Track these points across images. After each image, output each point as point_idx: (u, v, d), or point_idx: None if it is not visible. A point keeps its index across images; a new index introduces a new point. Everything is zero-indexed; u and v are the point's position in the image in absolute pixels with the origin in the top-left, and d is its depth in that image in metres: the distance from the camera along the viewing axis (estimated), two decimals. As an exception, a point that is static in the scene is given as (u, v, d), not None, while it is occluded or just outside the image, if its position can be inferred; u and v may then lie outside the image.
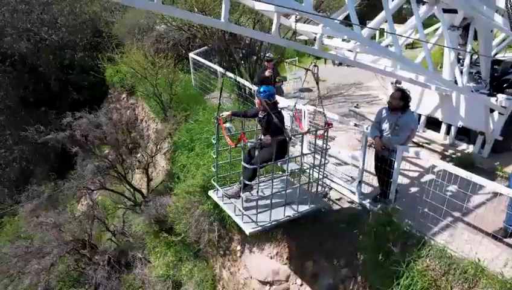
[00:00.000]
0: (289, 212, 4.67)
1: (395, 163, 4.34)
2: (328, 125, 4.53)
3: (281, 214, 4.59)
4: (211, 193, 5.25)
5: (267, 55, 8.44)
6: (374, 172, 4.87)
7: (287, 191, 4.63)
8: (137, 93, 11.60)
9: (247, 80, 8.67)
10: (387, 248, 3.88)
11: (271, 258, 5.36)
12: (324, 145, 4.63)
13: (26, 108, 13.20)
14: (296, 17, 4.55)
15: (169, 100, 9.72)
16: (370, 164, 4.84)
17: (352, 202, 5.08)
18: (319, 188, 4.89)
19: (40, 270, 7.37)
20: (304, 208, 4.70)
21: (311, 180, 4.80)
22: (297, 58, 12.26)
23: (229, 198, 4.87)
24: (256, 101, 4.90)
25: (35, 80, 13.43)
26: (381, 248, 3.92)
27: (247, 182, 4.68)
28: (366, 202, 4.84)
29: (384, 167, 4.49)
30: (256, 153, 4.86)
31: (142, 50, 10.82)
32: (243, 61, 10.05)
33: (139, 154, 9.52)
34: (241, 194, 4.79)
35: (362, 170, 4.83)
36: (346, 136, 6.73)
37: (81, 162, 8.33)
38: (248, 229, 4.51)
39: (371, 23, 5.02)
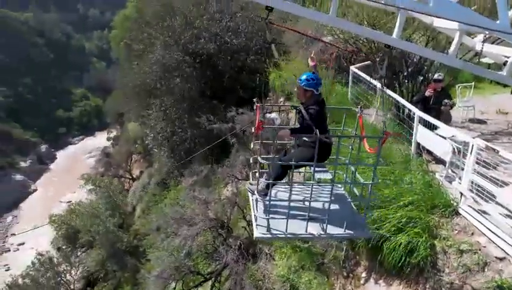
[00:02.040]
0: (313, 230, 3.97)
1: None
2: (386, 134, 3.71)
3: (303, 228, 3.97)
4: (247, 184, 4.80)
5: (438, 74, 7.62)
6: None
7: (312, 202, 3.89)
8: (294, 99, 12.25)
9: (407, 101, 8.04)
10: None
11: (397, 297, 4.87)
12: (378, 159, 3.80)
13: (203, 99, 15.71)
14: (484, 36, 3.97)
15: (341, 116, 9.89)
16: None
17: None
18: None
19: (187, 236, 8.71)
20: (335, 230, 3.97)
21: (351, 198, 4.06)
22: (473, 83, 10.59)
23: (252, 193, 4.36)
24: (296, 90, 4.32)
25: (214, 77, 15.80)
26: None
27: (271, 181, 4.15)
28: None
29: None
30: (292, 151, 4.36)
31: (305, 59, 11.37)
32: (406, 80, 9.36)
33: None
34: (257, 194, 4.13)
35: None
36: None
37: (235, 153, 9.40)
38: (257, 233, 4.03)
39: None
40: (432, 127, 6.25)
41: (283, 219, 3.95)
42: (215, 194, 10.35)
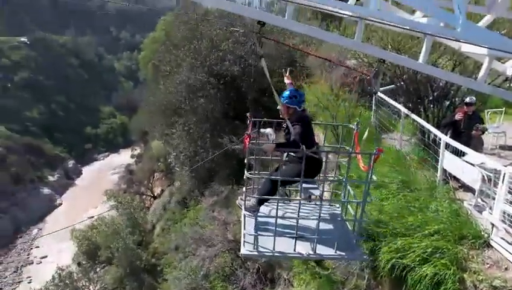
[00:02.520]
0: (303, 249, 3.86)
1: None
2: (379, 151, 3.67)
3: (291, 247, 3.86)
4: (238, 199, 4.77)
5: (469, 97, 7.44)
6: None
7: (306, 221, 3.91)
8: (317, 122, 12.22)
9: (433, 126, 7.85)
10: None
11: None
12: (370, 177, 3.71)
13: (226, 120, 15.94)
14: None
15: (345, 134, 9.82)
16: None
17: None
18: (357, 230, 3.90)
19: (205, 257, 8.65)
20: (326, 251, 3.86)
21: (342, 217, 3.96)
22: (504, 109, 10.24)
23: (240, 207, 4.39)
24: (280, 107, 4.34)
25: (237, 98, 16.06)
26: None
27: (260, 197, 4.15)
28: None
29: None
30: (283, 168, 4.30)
31: (328, 82, 11.40)
32: (432, 105, 9.18)
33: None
34: (245, 210, 4.18)
35: None
36: None
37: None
38: (243, 249, 3.97)
39: None
40: (459, 153, 6.04)
41: (272, 236, 3.87)
42: (235, 215, 10.30)
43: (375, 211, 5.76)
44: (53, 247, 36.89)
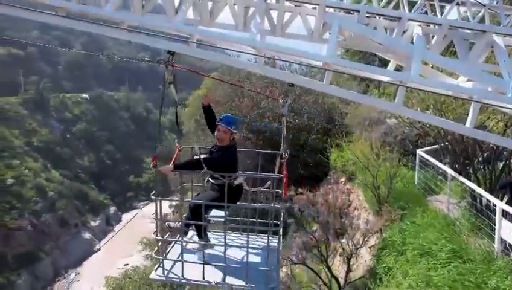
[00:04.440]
0: (212, 277, 3.91)
1: None
2: (284, 175, 3.98)
3: (199, 275, 3.90)
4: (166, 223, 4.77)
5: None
6: None
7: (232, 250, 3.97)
8: (356, 181, 11.91)
9: (485, 189, 7.35)
10: None
11: None
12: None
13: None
14: None
15: (386, 194, 9.44)
16: None
17: None
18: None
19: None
20: (236, 281, 3.88)
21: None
22: None
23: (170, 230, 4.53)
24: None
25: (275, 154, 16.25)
26: None
27: (185, 222, 4.29)
28: None
29: None
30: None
31: (368, 141, 11.28)
32: (482, 167, 8.67)
33: (344, 241, 9.49)
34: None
35: None
36: None
37: (292, 234, 9.12)
38: (153, 274, 4.15)
39: None
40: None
41: (186, 262, 3.94)
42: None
43: (421, 282, 5.29)
44: (88, 292, 37.07)
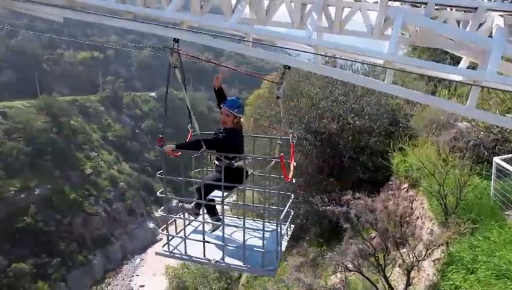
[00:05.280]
0: (212, 256, 4.14)
1: None
2: (280, 158, 3.95)
3: (201, 253, 4.14)
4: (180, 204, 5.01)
5: None
6: None
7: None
8: (420, 188, 11.06)
9: None
10: None
11: None
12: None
13: (319, 176, 15.66)
14: None
15: (454, 204, 8.61)
16: None
17: None
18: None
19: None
20: (234, 261, 4.07)
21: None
22: None
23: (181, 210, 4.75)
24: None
25: (333, 155, 15.78)
26: None
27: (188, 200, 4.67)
28: None
29: None
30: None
31: (435, 145, 10.40)
32: None
33: (404, 251, 8.87)
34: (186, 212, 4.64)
35: None
36: None
37: (347, 239, 8.76)
38: (159, 249, 4.45)
39: None
40: None
41: (196, 241, 4.17)
42: (322, 280, 9.64)
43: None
44: (150, 278, 39.80)
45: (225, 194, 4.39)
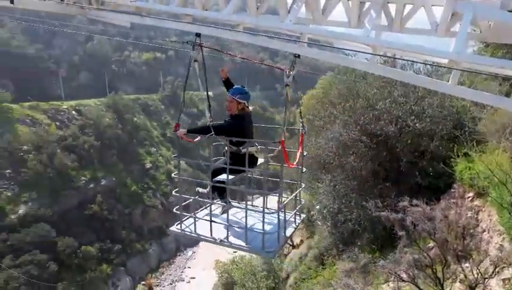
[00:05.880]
0: (217, 235, 4.38)
1: None
2: (280, 142, 4.14)
3: (208, 232, 4.43)
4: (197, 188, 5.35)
5: None
6: None
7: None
8: (488, 198, 10.13)
9: None
10: None
11: None
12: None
13: (374, 180, 15.04)
14: None
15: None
16: None
17: None
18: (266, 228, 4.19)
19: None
20: (237, 241, 4.30)
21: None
22: None
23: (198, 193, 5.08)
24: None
25: (389, 159, 15.05)
26: None
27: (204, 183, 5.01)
28: None
29: None
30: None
31: (509, 152, 9.44)
32: None
33: (467, 266, 8.18)
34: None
35: None
36: None
37: (402, 248, 8.32)
38: (172, 227, 4.80)
39: None
40: None
41: (204, 220, 4.49)
42: (373, 288, 9.26)
43: None
44: (200, 271, 41.34)
45: (232, 177, 4.72)
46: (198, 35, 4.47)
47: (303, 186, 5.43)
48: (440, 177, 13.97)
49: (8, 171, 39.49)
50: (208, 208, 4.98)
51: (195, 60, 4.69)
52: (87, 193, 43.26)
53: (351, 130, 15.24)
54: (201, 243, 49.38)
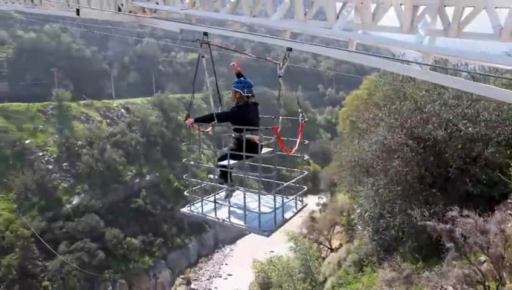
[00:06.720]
0: (220, 215, 4.80)
1: None
2: (274, 128, 4.79)
3: (213, 213, 4.86)
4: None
5: None
6: None
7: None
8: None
9: None
10: None
11: None
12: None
13: (420, 186, 14.36)
14: None
15: None
16: None
17: None
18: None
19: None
20: (238, 221, 4.67)
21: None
22: None
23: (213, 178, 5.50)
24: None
25: (437, 165, 14.28)
26: None
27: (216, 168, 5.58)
28: None
29: None
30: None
31: None
32: None
33: (523, 284, 7.58)
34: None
35: None
36: None
37: (450, 261, 7.88)
38: (185, 208, 5.37)
39: None
40: None
41: (209, 201, 4.99)
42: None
43: None
44: (237, 269, 41.95)
45: (235, 162, 5.10)
46: (205, 34, 4.90)
47: (305, 173, 5.80)
48: (494, 186, 13.02)
49: (65, 164, 42.77)
50: (218, 192, 5.48)
51: (203, 56, 5.11)
52: (133, 187, 45.60)
53: (397, 134, 14.65)
54: (239, 241, 50.18)
